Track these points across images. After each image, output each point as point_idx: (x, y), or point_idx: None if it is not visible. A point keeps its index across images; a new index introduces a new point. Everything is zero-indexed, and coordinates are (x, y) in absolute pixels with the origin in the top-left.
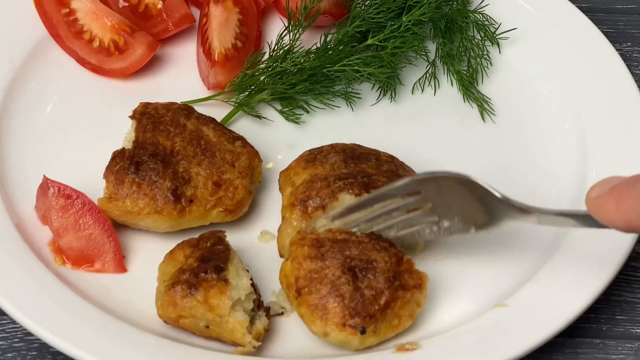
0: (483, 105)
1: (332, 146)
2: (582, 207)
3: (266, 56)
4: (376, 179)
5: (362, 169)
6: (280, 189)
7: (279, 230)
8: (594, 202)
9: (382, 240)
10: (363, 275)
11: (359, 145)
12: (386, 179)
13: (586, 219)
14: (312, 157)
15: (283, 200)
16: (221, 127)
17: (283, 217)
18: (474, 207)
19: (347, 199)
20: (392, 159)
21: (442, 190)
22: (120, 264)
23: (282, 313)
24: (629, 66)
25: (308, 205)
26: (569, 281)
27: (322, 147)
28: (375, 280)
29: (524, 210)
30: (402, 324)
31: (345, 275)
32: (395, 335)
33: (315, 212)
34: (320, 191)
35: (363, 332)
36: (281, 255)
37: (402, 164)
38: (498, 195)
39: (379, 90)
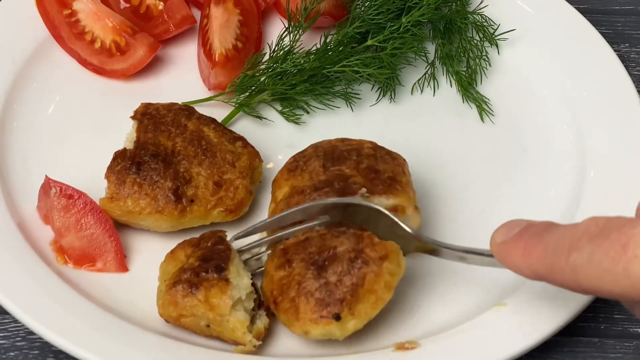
0: (482, 106)
1: (315, 148)
2: (580, 210)
3: (266, 57)
4: (353, 181)
5: (341, 172)
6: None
7: (266, 262)
8: (499, 248)
9: (341, 225)
10: (327, 265)
11: (342, 141)
12: (363, 179)
13: (493, 259)
14: (295, 165)
15: (267, 214)
16: (222, 128)
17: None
18: (385, 231)
19: None
20: (374, 150)
21: (351, 214)
22: (122, 264)
23: None
24: (626, 67)
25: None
26: None
27: (306, 150)
28: (339, 265)
29: (431, 248)
30: (380, 298)
31: (310, 270)
32: (379, 310)
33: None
34: (297, 204)
35: (338, 318)
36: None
37: (386, 152)
38: (408, 229)
39: (379, 90)
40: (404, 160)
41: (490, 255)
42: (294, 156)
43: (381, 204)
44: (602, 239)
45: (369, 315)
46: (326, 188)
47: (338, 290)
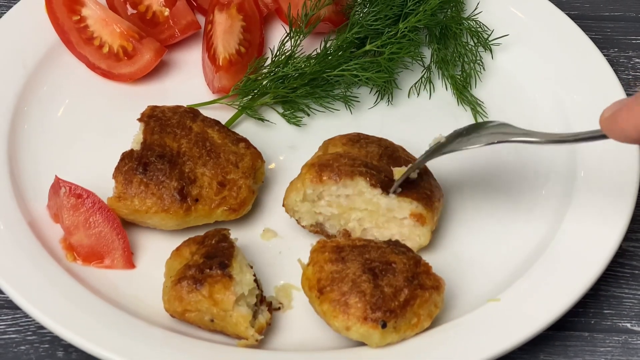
0: (476, 108)
1: (380, 139)
2: (571, 208)
3: (268, 61)
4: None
5: (390, 170)
6: (318, 156)
7: (292, 182)
8: (607, 120)
9: (400, 245)
10: (383, 275)
11: (403, 150)
12: (405, 183)
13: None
14: (357, 138)
15: (309, 159)
16: (225, 129)
17: (300, 173)
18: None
19: (361, 184)
20: (426, 170)
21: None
22: (129, 261)
23: (279, 308)
24: (615, 71)
25: (324, 171)
26: (558, 277)
27: (371, 136)
28: (395, 279)
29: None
30: (420, 323)
31: (366, 274)
32: (414, 334)
33: (327, 180)
34: (342, 166)
35: (384, 326)
36: (283, 202)
37: (433, 178)
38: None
39: (377, 94)
40: (442, 194)
41: (596, 136)
42: (359, 133)
43: (408, 208)
44: None
45: (405, 334)
46: (374, 171)
47: (391, 301)
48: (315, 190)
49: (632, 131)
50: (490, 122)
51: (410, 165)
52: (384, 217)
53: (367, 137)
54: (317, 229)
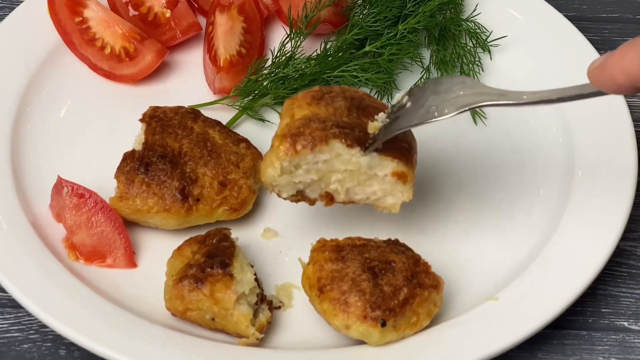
0: (475, 110)
1: (342, 90)
2: (568, 208)
3: (269, 62)
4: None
5: (362, 123)
6: (280, 115)
7: (265, 155)
8: (596, 69)
9: (400, 244)
10: (382, 274)
11: (368, 96)
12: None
13: (583, 89)
14: (320, 95)
15: (278, 128)
16: (226, 130)
17: (272, 145)
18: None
19: (337, 147)
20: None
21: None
22: (131, 260)
23: (280, 307)
24: None
25: (297, 141)
26: (556, 276)
27: (333, 87)
28: (394, 278)
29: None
30: (420, 321)
31: (366, 273)
32: (413, 333)
33: (302, 150)
34: (314, 131)
35: (384, 324)
36: (262, 178)
37: None
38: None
39: (376, 94)
40: (416, 141)
41: (584, 93)
42: (320, 87)
43: (390, 166)
44: None
45: (405, 333)
46: (347, 129)
47: (391, 300)
48: (291, 162)
49: (621, 76)
50: (452, 77)
51: (383, 127)
52: (364, 176)
53: (329, 90)
54: (299, 197)
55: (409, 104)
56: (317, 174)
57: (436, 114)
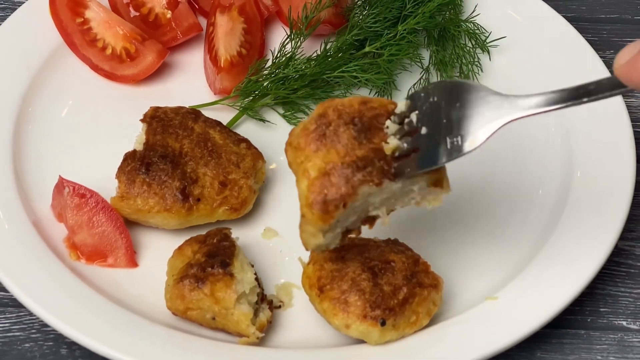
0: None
1: (337, 113)
2: (567, 207)
3: (269, 63)
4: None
5: (377, 146)
6: (290, 165)
7: (301, 227)
8: (624, 67)
9: (399, 244)
10: (382, 274)
11: (364, 103)
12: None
13: (606, 84)
14: (320, 133)
15: (299, 191)
16: (227, 130)
17: (303, 215)
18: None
19: (367, 190)
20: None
21: (432, 98)
22: (132, 259)
23: (280, 306)
24: (612, 72)
25: (328, 206)
26: (555, 275)
27: (326, 114)
28: (394, 277)
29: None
30: (419, 321)
31: (365, 273)
32: (413, 332)
33: (335, 212)
34: (339, 189)
35: (383, 323)
36: (307, 249)
37: None
38: (499, 93)
39: (376, 95)
40: None
41: (611, 88)
42: (314, 121)
43: (423, 179)
44: None
45: (404, 332)
46: (369, 167)
47: (390, 299)
48: (329, 226)
49: None
50: (457, 84)
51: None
52: (400, 193)
53: (325, 119)
54: (345, 237)
55: (424, 130)
56: (355, 215)
57: (466, 144)
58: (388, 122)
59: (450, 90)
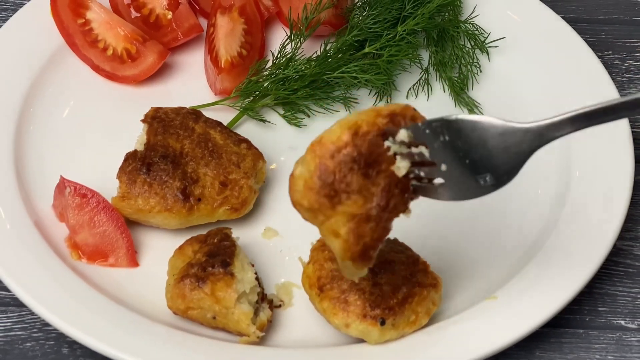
0: (473, 110)
1: (337, 161)
2: (566, 207)
3: (269, 64)
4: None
5: (388, 172)
6: (305, 219)
7: (342, 270)
8: None
9: (399, 244)
10: (381, 273)
11: (355, 135)
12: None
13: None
14: (330, 190)
15: (334, 250)
16: (227, 130)
17: (344, 265)
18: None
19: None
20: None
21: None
22: (133, 259)
23: (280, 306)
24: (610, 73)
25: (368, 252)
26: (554, 275)
27: (323, 166)
28: (393, 277)
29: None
30: (419, 320)
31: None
32: (412, 331)
33: (375, 253)
34: (373, 234)
35: (383, 323)
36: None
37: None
38: (521, 125)
39: (376, 95)
40: None
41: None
42: (315, 177)
43: None
44: None
45: (404, 331)
46: (392, 201)
47: (390, 299)
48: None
49: None
50: (473, 121)
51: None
52: None
53: (328, 173)
54: None
55: (443, 166)
56: None
57: (497, 180)
58: (387, 143)
59: (462, 130)
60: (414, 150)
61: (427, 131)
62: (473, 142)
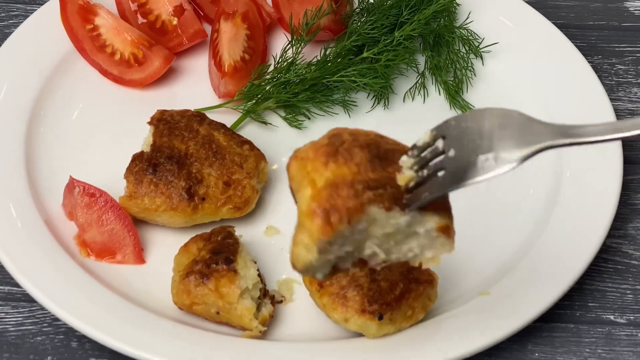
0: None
1: (354, 137)
2: (557, 206)
3: (271, 68)
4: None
5: (390, 175)
6: (292, 180)
7: (295, 239)
8: None
9: None
10: (380, 271)
11: (381, 137)
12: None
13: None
14: (333, 149)
15: (300, 200)
16: (230, 132)
17: (300, 224)
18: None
19: (375, 212)
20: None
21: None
22: (139, 256)
23: (282, 301)
24: (599, 77)
25: (331, 216)
26: (545, 271)
27: (341, 134)
28: (391, 273)
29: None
30: (415, 315)
31: (363, 269)
32: (409, 326)
33: (339, 225)
34: (347, 201)
35: (380, 318)
36: (294, 267)
37: None
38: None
39: (374, 98)
40: None
41: None
42: (328, 138)
43: (432, 221)
44: None
45: (401, 326)
46: (380, 189)
47: (387, 294)
48: (327, 241)
49: None
50: (492, 110)
51: (425, 195)
52: (402, 235)
53: (339, 138)
54: (333, 273)
55: (452, 152)
56: (353, 245)
57: (499, 163)
58: (404, 157)
59: (488, 114)
60: (428, 150)
61: (453, 122)
62: (493, 124)
